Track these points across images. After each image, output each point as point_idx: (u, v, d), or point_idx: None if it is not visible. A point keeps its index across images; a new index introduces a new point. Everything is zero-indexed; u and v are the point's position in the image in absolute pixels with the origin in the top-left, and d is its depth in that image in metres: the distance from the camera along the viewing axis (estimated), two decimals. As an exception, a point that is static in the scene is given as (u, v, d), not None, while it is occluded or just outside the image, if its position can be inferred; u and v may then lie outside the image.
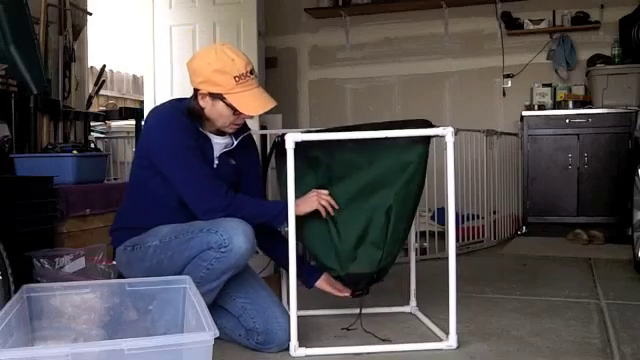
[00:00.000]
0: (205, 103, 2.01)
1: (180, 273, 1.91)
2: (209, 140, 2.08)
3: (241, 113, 2.00)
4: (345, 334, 2.19)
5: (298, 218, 2.01)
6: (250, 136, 2.22)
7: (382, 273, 2.16)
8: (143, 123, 2.07)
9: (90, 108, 4.23)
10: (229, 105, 1.97)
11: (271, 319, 2.02)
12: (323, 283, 2.21)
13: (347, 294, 2.20)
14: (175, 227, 1.97)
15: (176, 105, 2.07)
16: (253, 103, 1.99)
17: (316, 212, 2.07)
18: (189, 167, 1.97)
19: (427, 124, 2.12)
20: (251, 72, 1.99)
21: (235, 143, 2.13)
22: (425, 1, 5.35)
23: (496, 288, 2.96)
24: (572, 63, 5.14)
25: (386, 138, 2.06)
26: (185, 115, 2.03)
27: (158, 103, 2.14)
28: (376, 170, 2.10)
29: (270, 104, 2.02)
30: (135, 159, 2.13)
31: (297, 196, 2.01)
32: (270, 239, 2.21)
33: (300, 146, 2.00)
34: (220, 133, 2.11)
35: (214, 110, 2.01)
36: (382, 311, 2.49)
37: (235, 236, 1.85)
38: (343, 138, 2.12)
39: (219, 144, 2.11)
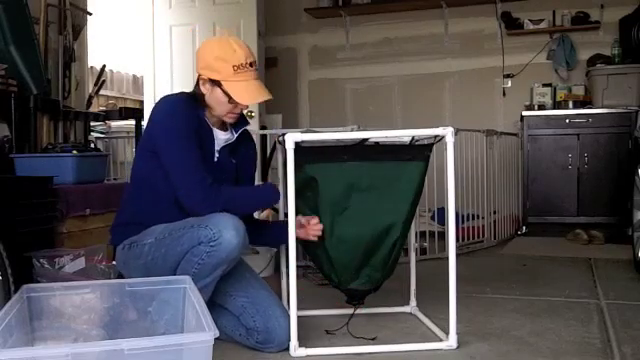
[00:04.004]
0: (205, 89, 2.07)
1: (174, 270, 1.92)
2: (212, 133, 2.10)
3: (237, 102, 2.04)
4: (345, 334, 2.18)
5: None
6: (248, 133, 2.25)
7: (379, 287, 2.21)
8: (150, 110, 2.08)
9: (90, 108, 4.22)
10: (225, 93, 2.02)
11: (271, 318, 2.03)
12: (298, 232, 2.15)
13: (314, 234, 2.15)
14: (169, 225, 1.98)
15: (184, 97, 2.09)
16: (247, 93, 2.04)
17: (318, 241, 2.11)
18: (182, 151, 1.98)
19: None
20: (251, 64, 2.04)
21: (235, 136, 2.16)
22: (425, 1, 5.35)
23: (496, 288, 2.96)
24: (572, 63, 5.13)
25: (389, 160, 2.08)
26: (191, 107, 2.05)
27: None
28: (381, 200, 2.10)
29: (264, 96, 2.06)
30: (138, 153, 2.14)
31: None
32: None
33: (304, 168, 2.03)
34: (223, 128, 2.15)
35: (212, 97, 2.06)
36: (382, 311, 2.49)
37: (225, 230, 1.85)
38: (344, 142, 2.12)
39: (221, 139, 2.13)
